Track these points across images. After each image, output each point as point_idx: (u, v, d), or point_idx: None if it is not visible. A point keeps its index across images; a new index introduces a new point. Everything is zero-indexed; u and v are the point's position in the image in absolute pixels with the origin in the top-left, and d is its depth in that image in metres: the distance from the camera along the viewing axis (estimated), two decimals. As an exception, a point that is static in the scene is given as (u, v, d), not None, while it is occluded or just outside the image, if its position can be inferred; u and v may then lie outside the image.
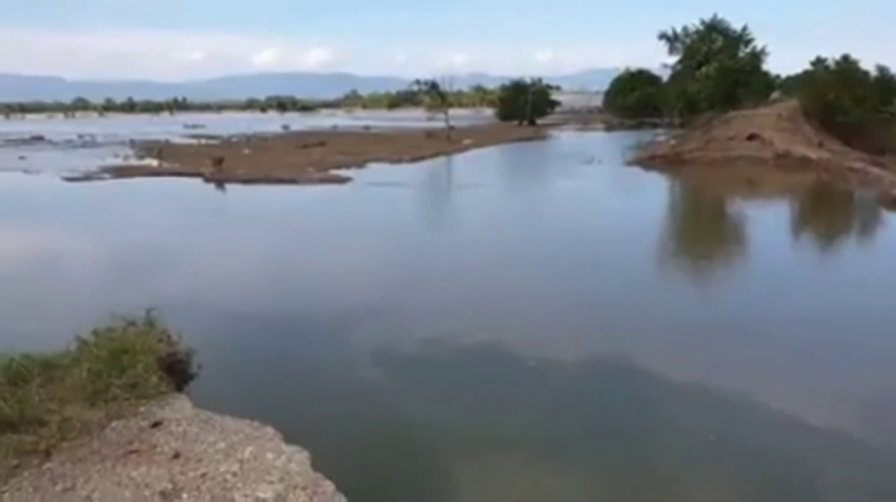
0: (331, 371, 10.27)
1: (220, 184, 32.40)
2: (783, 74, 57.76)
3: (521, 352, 10.71)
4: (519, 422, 8.55)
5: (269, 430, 6.78)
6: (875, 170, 30.32)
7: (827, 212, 26.09)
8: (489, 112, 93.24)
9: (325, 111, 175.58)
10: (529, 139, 61.55)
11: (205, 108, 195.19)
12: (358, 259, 17.78)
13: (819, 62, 41.03)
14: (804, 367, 10.26)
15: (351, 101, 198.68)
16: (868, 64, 39.46)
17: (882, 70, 39.06)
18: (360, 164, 39.06)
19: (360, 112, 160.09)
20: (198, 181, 33.48)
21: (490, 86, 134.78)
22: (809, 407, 8.72)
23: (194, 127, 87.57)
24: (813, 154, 34.32)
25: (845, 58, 39.47)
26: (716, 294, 15.04)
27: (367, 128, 78.04)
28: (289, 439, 6.63)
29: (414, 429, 8.38)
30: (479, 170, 40.57)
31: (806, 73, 42.97)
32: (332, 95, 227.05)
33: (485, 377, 10.00)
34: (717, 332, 11.85)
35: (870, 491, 7.14)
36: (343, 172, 34.95)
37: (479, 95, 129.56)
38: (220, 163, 34.88)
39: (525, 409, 8.90)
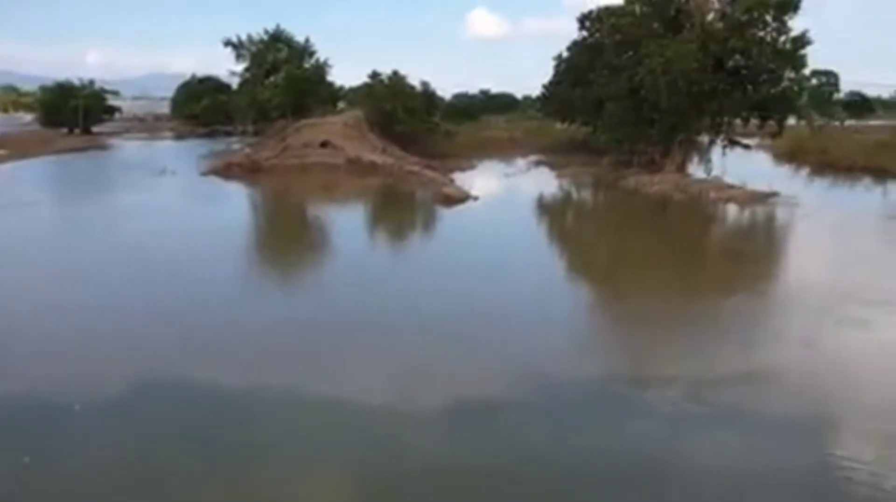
0: None
1: None
2: (346, 86, 62.08)
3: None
4: None
5: None
6: (429, 173, 34.52)
7: (396, 211, 28.73)
8: (29, 118, 78.77)
9: None
10: (84, 149, 53.64)
11: None
12: None
13: (375, 76, 45.08)
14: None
15: None
16: (414, 79, 44.92)
17: (425, 85, 44.91)
18: None
19: None
20: None
21: (26, 86, 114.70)
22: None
23: None
24: (379, 159, 37.42)
25: (395, 73, 44.20)
26: (295, 294, 15.06)
27: None
28: None
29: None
30: (22, 185, 33.52)
31: (366, 85, 46.76)
32: None
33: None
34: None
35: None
36: None
37: (11, 98, 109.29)
38: None
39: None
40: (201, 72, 77.99)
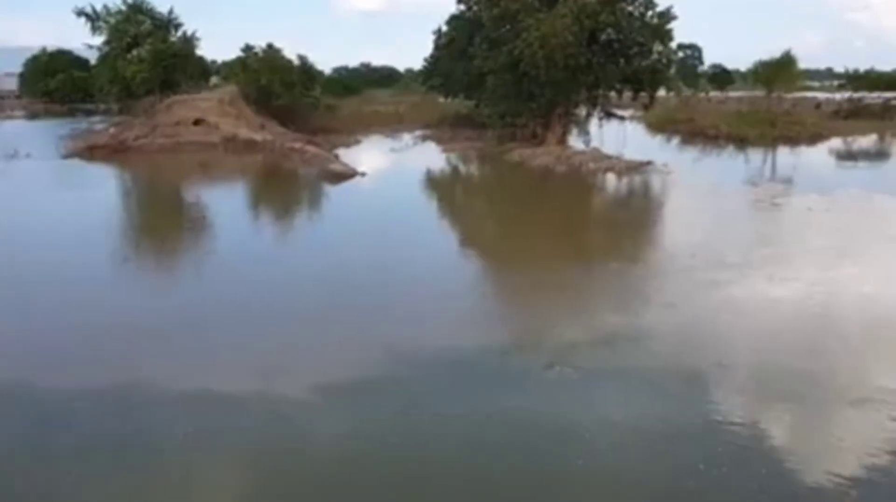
0: None
1: None
2: (219, 60, 58.89)
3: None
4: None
5: None
6: (312, 149, 33.44)
7: (280, 189, 27.69)
8: None
9: None
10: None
11: None
12: None
13: (248, 49, 42.87)
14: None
15: None
16: (290, 53, 43.24)
17: (302, 59, 43.35)
18: None
19: None
20: None
21: None
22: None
23: None
24: (258, 136, 35.83)
25: (270, 46, 42.32)
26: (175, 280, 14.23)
27: None
28: None
29: None
30: None
31: (239, 59, 44.44)
32: None
33: None
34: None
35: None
36: None
37: None
38: None
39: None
40: (52, 45, 71.56)
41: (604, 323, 11.12)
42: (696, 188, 25.67)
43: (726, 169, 32.15)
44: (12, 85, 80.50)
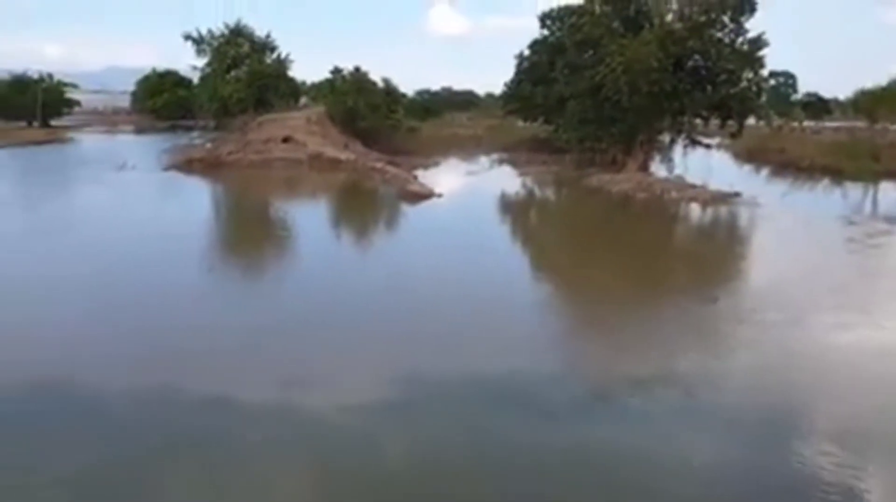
0: None
1: None
2: (308, 81, 61.44)
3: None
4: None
5: None
6: (392, 169, 34.28)
7: (360, 207, 28.59)
8: (-16, 111, 76.23)
9: None
10: (45, 142, 52.30)
11: None
12: None
13: (337, 71, 44.60)
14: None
15: None
16: (376, 75, 44.62)
17: (387, 82, 44.60)
18: None
19: None
20: None
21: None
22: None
23: None
24: (341, 155, 37.07)
25: (357, 69, 43.80)
26: (261, 292, 14.76)
27: None
28: None
29: None
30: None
31: (328, 81, 46.28)
32: None
33: None
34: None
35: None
36: None
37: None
38: None
39: None
40: (161, 66, 76.58)
41: (669, 367, 10.57)
42: (787, 223, 24.09)
43: (821, 203, 30.26)
44: (125, 102, 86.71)
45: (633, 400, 9.21)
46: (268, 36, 46.30)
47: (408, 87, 61.00)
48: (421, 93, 76.17)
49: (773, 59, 37.49)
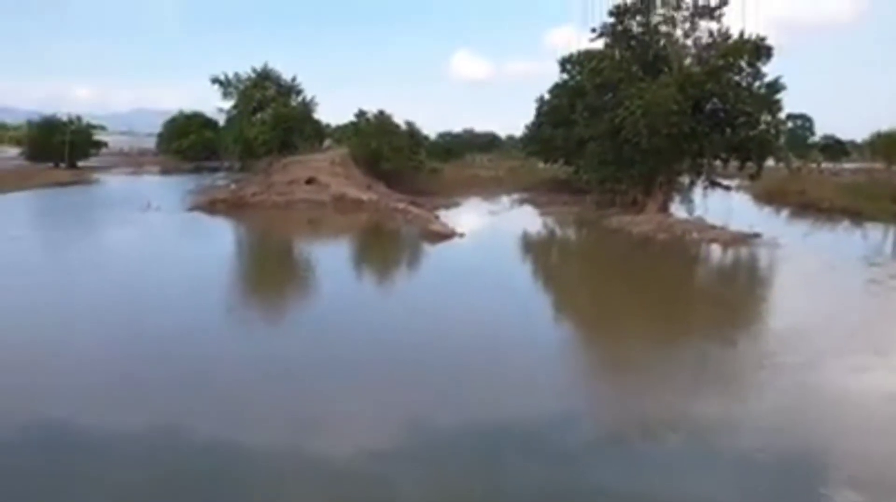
0: None
1: None
2: (333, 123, 62.79)
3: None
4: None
5: None
6: (415, 210, 34.77)
7: (382, 247, 28.96)
8: (13, 152, 78.29)
9: None
10: (70, 183, 53.56)
11: None
12: None
13: (361, 114, 45.68)
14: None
15: None
16: (399, 118, 45.59)
17: (410, 124, 45.52)
18: None
19: None
20: None
21: (15, 121, 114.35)
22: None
23: None
24: (364, 196, 37.66)
25: (381, 112, 44.81)
26: (282, 333, 14.97)
27: None
28: None
29: None
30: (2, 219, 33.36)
31: (352, 123, 47.37)
32: None
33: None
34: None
35: None
36: None
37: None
38: None
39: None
40: (188, 108, 78.58)
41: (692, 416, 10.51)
42: (809, 265, 24.10)
43: (841, 244, 30.31)
44: (151, 144, 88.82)
45: (649, 445, 9.31)
46: (294, 79, 47.60)
47: (430, 129, 62.20)
48: (443, 135, 77.41)
49: (791, 102, 37.91)
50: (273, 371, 11.88)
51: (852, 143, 75.48)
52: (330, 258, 25.51)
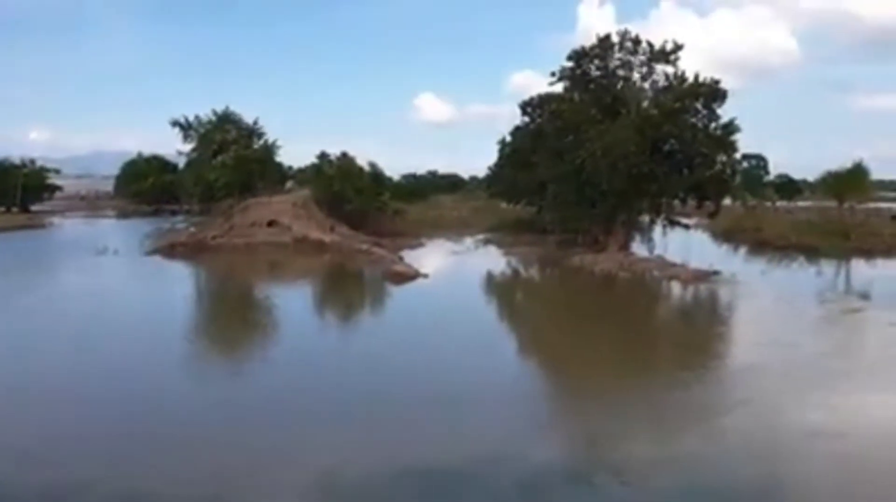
0: None
1: None
2: (295, 166, 62.47)
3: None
4: None
5: None
6: (378, 251, 34.50)
7: (345, 289, 28.62)
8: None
9: None
10: (21, 228, 52.04)
11: None
12: None
13: (323, 157, 45.49)
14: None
15: None
16: (363, 160, 45.59)
17: (373, 166, 45.60)
18: None
19: None
20: None
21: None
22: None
23: None
24: (327, 238, 37.31)
25: (344, 154, 44.78)
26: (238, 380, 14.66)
27: None
28: None
29: None
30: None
31: (314, 165, 47.11)
32: None
33: None
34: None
35: None
36: None
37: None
38: None
39: None
40: (148, 150, 77.68)
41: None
42: (768, 301, 24.53)
43: (797, 281, 30.92)
44: (108, 186, 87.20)
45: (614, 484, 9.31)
46: (255, 122, 47.42)
47: (394, 170, 62.50)
48: (407, 177, 77.78)
49: (745, 143, 38.83)
50: (216, 421, 11.54)
51: (804, 182, 77.89)
52: (290, 302, 24.95)
